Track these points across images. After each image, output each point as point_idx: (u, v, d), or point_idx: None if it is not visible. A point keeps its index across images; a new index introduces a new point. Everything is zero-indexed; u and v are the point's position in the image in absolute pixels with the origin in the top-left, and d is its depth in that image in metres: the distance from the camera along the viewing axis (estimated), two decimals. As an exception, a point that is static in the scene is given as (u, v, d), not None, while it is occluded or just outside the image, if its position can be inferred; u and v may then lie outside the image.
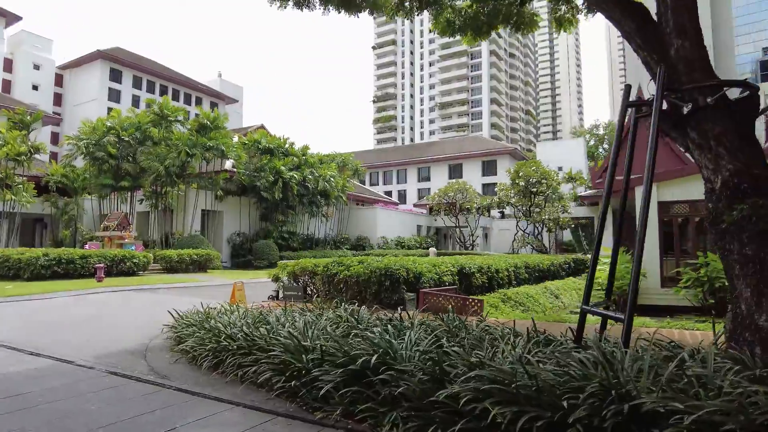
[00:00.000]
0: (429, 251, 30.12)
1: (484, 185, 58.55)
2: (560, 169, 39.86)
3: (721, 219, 4.88)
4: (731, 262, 4.88)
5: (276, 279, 12.38)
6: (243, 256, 29.37)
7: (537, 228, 30.59)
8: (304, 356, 4.84)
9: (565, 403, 3.41)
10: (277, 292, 12.19)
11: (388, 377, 4.19)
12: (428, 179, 62.87)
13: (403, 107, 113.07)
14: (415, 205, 48.58)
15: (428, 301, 9.62)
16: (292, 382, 4.70)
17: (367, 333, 5.20)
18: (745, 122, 5.05)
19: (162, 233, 27.21)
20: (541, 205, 29.94)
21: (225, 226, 30.27)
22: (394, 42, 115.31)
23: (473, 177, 57.88)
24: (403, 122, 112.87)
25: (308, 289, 11.65)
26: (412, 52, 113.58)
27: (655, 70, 5.39)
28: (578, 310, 16.73)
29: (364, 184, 59.88)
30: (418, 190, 63.46)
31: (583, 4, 9.90)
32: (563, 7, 11.17)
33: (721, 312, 13.15)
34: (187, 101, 64.22)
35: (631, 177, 19.46)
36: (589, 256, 27.19)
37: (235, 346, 5.64)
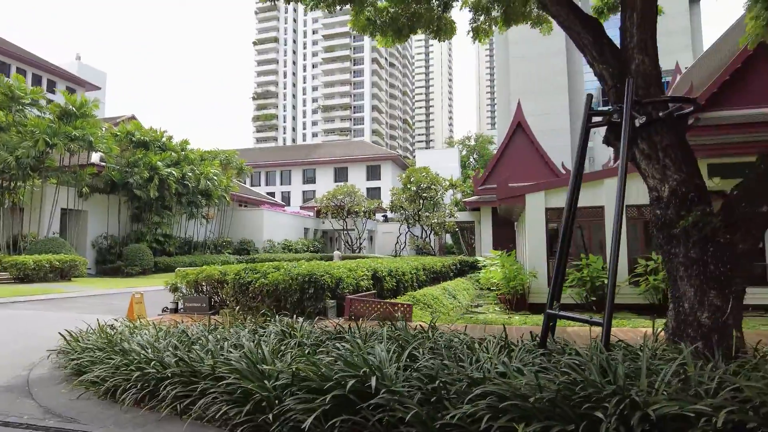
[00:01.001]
0: (334, 255, 29.54)
1: (368, 189, 59.40)
2: (437, 174, 42.22)
3: (670, 225, 5.26)
4: (676, 265, 5.28)
5: (174, 289, 10.92)
6: (111, 262, 25.88)
7: (425, 231, 31.80)
8: (267, 382, 4.14)
9: (592, 413, 3.29)
10: (176, 304, 10.76)
11: (382, 401, 3.71)
12: (313, 181, 62.04)
13: (284, 107, 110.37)
14: (302, 207, 47.56)
15: (354, 308, 9.20)
16: (257, 416, 3.97)
17: (337, 350, 4.64)
18: (684, 136, 5.54)
19: (9, 236, 22.75)
20: (431, 209, 31.22)
21: (90, 228, 26.39)
22: (276, 39, 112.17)
23: (358, 181, 58.35)
24: (284, 122, 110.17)
25: (213, 299, 10.46)
26: (294, 52, 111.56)
27: (610, 82, 5.67)
28: (477, 309, 17.44)
29: (245, 184, 57.03)
30: (303, 192, 62.28)
31: (500, 15, 10.24)
32: (482, 18, 11.54)
33: (600, 308, 14.71)
34: (36, 84, 55.34)
35: (520, 185, 20.70)
36: (471, 258, 28.92)
37: (169, 374, 4.66)
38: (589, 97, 5.85)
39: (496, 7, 11.50)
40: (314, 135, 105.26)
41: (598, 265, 15.19)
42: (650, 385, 3.72)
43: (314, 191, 61.39)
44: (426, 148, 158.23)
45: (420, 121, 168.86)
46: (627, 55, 5.30)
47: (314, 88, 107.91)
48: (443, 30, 11.82)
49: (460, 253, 35.70)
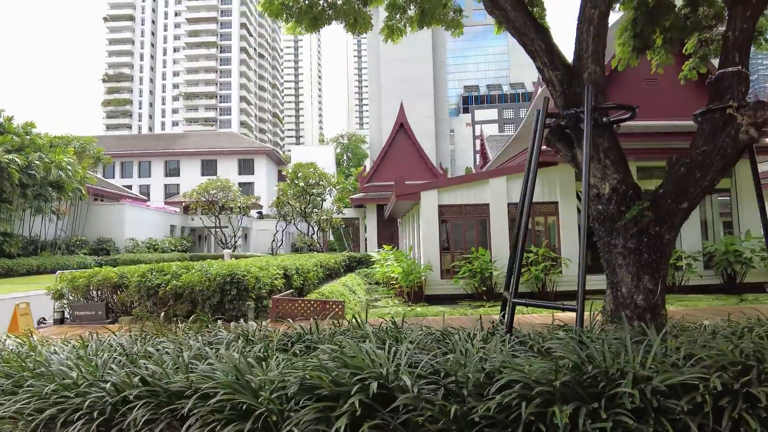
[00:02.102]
0: (224, 254, 27.31)
1: (240, 184, 56.60)
2: (324, 171, 42.01)
3: (611, 219, 5.89)
4: (615, 255, 5.95)
5: (59, 296, 9.16)
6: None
7: (312, 228, 31.29)
8: (265, 394, 3.68)
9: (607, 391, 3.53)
10: (62, 313, 9.04)
11: (408, 401, 3.54)
12: (177, 174, 57.06)
13: (140, 92, 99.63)
14: (167, 203, 43.37)
15: (282, 309, 8.70)
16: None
17: (327, 353, 4.30)
18: (618, 141, 6.25)
19: None
20: (320, 205, 30.76)
21: None
22: (131, 17, 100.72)
23: (229, 175, 55.25)
24: (140, 108, 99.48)
25: (108, 306, 9.03)
26: (153, 33, 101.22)
27: (559, 88, 6.15)
28: (377, 303, 17.63)
29: (99, 176, 50.26)
30: (165, 186, 56.94)
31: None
32: (398, 16, 11.66)
33: (489, 297, 15.94)
34: None
35: (416, 183, 21.47)
36: (359, 254, 29.31)
37: (131, 397, 3.89)
38: (546, 100, 6.26)
39: (412, 7, 11.69)
40: (175, 124, 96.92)
41: (486, 258, 16.41)
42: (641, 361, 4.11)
43: (178, 185, 56.63)
44: (296, 144, 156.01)
45: (289, 116, 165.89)
46: (581, 63, 5.81)
47: (176, 74, 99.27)
48: (360, 24, 11.70)
49: (342, 249, 35.90)
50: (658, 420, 3.50)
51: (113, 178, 55.66)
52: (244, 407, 3.61)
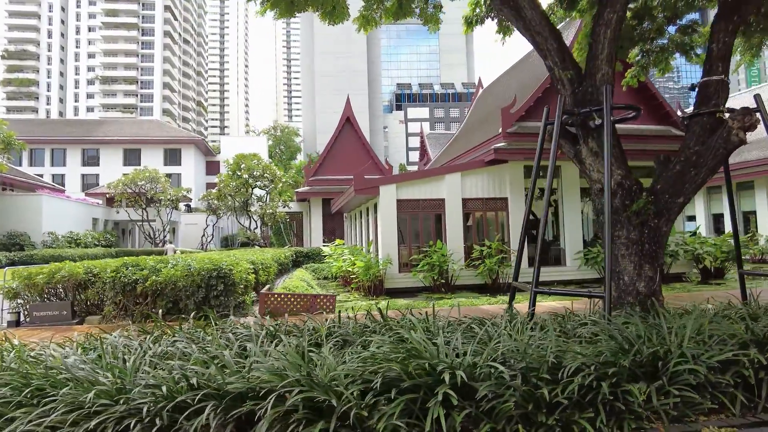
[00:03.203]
0: (167, 248, 25.35)
1: (167, 175, 53.44)
2: (269, 163, 40.74)
3: (616, 212, 6.28)
4: (618, 245, 6.35)
5: (14, 295, 8.11)
6: None
7: (254, 222, 30.12)
8: (343, 389, 3.54)
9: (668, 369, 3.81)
10: (18, 314, 8.02)
11: (492, 389, 3.57)
12: (97, 164, 52.63)
13: (49, 72, 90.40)
14: (88, 194, 39.79)
15: (271, 304, 8.38)
16: None
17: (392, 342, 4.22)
18: (619, 139, 6.66)
19: None
20: (264, 198, 29.65)
21: None
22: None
23: (154, 166, 52.06)
24: (48, 90, 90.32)
25: (73, 306, 8.17)
26: (64, 9, 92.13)
27: (569, 87, 6.44)
28: (338, 298, 17.50)
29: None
30: (83, 176, 52.32)
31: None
32: (375, 6, 11.59)
33: (448, 290, 16.36)
34: None
35: (375, 177, 21.51)
36: (305, 249, 28.78)
37: (196, 400, 3.55)
38: (547, 109, 6.46)
39: (390, -1, 11.63)
40: (90, 109, 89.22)
41: (444, 251, 16.80)
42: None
43: (98, 175, 52.40)
44: (221, 134, 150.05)
45: (214, 105, 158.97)
46: (595, 64, 6.12)
47: (91, 55, 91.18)
48: (336, 13, 11.52)
49: (281, 244, 35.04)
50: (713, 394, 3.82)
51: (21, 166, 50.31)
52: (319, 405, 3.46)
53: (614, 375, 3.71)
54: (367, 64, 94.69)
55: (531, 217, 19.59)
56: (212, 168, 60.81)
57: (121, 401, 3.63)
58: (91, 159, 52.87)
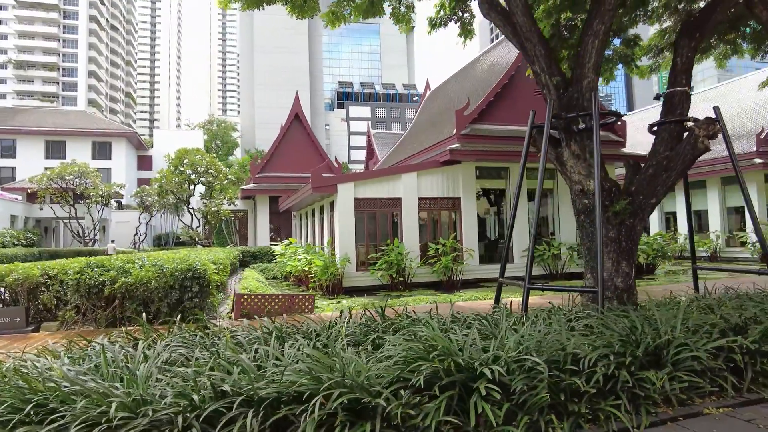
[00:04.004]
0: (107, 248, 23.41)
1: (95, 170, 50.03)
2: (215, 158, 39.10)
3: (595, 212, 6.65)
4: (597, 243, 6.73)
5: None
6: None
7: (197, 220, 28.72)
8: (379, 389, 3.52)
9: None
10: None
11: (526, 382, 3.69)
12: (13, 156, 48.09)
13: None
14: (5, 189, 36.18)
15: (247, 305, 8.11)
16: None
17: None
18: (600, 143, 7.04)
19: None
20: (208, 196, 28.33)
21: None
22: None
23: (81, 159, 48.69)
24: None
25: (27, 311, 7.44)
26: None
27: (554, 93, 6.74)
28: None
29: None
30: (-3, 169, 47.78)
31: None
32: (345, 3, 11.51)
33: (405, 287, 16.58)
34: None
35: (331, 176, 21.35)
36: (252, 248, 27.99)
37: (234, 407, 3.36)
38: (533, 112, 6.72)
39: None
40: (2, 96, 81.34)
41: (402, 250, 17.00)
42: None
43: (14, 168, 48.05)
44: (150, 127, 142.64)
45: (143, 96, 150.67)
46: (582, 72, 6.45)
47: (2, 37, 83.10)
48: (306, 7, 11.35)
49: (223, 243, 33.85)
50: (711, 378, 4.18)
51: None
52: (359, 406, 3.42)
53: (631, 364, 3.97)
54: (309, 60, 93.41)
55: (481, 215, 20.27)
56: (144, 163, 57.60)
57: (140, 413, 3.39)
58: (6, 150, 48.32)
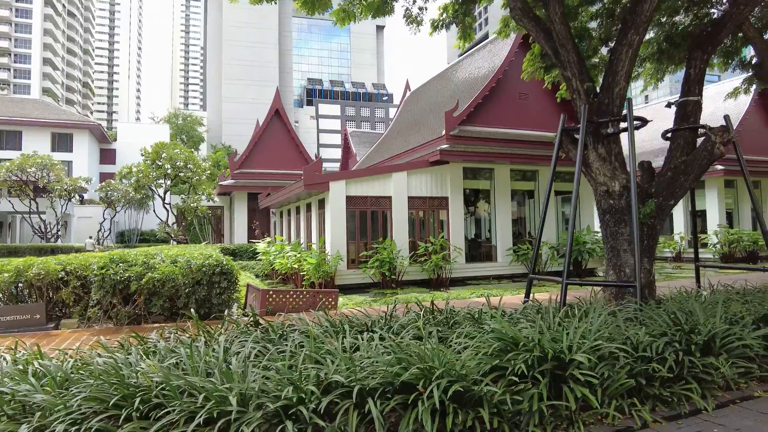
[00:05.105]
0: (86, 243, 22.28)
1: (60, 163, 47.73)
2: (193, 152, 38.05)
3: (621, 212, 7.03)
4: (621, 241, 7.12)
5: None
6: None
7: (173, 216, 27.85)
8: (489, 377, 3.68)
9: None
10: None
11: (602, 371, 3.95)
12: (-37, 146, 45.33)
13: None
14: (-42, 182, 33.93)
15: (273, 301, 8.10)
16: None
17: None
18: (621, 147, 7.44)
19: None
20: (187, 191, 27.48)
21: None
22: None
23: (40, 151, 46.41)
24: None
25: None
26: None
27: (584, 97, 7.07)
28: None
29: None
30: (-56, 160, 44.69)
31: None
32: (357, 2, 11.56)
33: (397, 285, 16.77)
34: None
35: (324, 174, 21.21)
36: (232, 245, 27.48)
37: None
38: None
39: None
40: (-54, 82, 76.42)
41: (394, 248, 17.20)
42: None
43: (-36, 160, 45.28)
44: (110, 119, 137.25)
45: (101, 87, 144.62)
46: (614, 79, 6.80)
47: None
48: (319, 3, 11.36)
49: (197, 241, 33.08)
50: (759, 364, 4.56)
51: None
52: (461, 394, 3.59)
53: (694, 351, 4.30)
54: (279, 56, 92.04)
55: (468, 215, 20.72)
56: (107, 157, 55.41)
57: (252, 407, 3.42)
58: (-45, 140, 45.45)
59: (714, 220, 25.78)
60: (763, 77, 11.36)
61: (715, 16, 8.66)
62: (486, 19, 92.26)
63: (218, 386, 3.51)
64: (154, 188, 26.89)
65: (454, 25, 13.01)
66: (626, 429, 3.70)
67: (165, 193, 26.57)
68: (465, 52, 26.80)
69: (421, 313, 5.73)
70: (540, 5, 8.66)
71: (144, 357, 4.37)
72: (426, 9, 11.32)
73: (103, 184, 37.70)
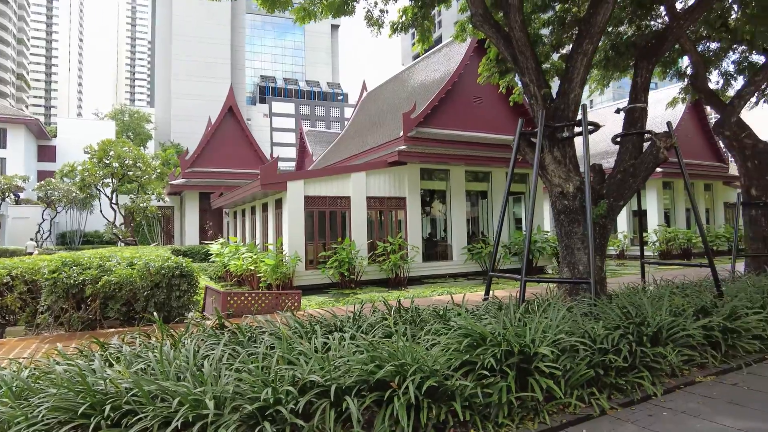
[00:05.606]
0: (27, 245, 20.65)
1: (-9, 160, 44.64)
2: (143, 150, 36.41)
3: (575, 212, 7.40)
4: (575, 240, 7.49)
5: None
6: None
7: (122, 217, 26.51)
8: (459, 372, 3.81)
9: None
10: None
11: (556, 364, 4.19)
12: None
13: None
14: None
15: (235, 303, 7.97)
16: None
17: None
18: (575, 150, 7.81)
19: None
20: (136, 191, 26.20)
21: None
22: None
23: (-31, 147, 43.39)
24: None
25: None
26: None
27: (541, 103, 7.38)
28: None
29: None
30: None
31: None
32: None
33: (355, 285, 16.84)
34: None
35: (283, 173, 21.10)
36: (183, 247, 26.61)
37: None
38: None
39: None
40: None
41: (353, 248, 17.28)
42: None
43: None
44: (48, 114, 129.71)
45: (38, 80, 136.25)
46: (570, 86, 7.13)
47: None
48: (277, 2, 11.27)
49: (144, 242, 31.81)
50: (701, 351, 4.96)
51: None
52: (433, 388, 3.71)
53: (645, 342, 4.63)
54: (231, 52, 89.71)
55: (424, 215, 21.05)
56: (46, 154, 52.32)
57: (228, 409, 3.40)
58: None
59: (654, 219, 27.35)
60: (697, 87, 12.24)
61: (656, 28, 9.27)
62: (440, 22, 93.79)
63: (192, 390, 3.47)
64: (100, 188, 25.61)
65: (413, 28, 13.22)
66: (586, 417, 3.95)
67: (112, 192, 25.33)
68: (422, 55, 27.21)
69: (390, 311, 5.82)
70: (498, 10, 8.99)
71: (108, 363, 4.22)
72: (387, 11, 11.44)
73: (43, 182, 35.49)
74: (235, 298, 7.94)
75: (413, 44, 14.63)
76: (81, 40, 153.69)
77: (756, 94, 12.70)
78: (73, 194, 28.46)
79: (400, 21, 12.84)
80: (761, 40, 11.26)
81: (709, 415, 3.99)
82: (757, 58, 13.01)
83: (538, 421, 3.78)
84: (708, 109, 29.06)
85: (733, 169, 27.73)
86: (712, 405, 4.20)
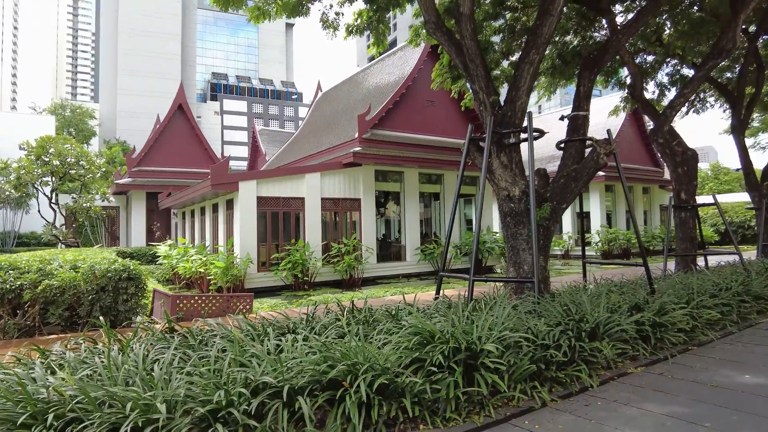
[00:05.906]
0: None
1: None
2: (86, 148, 34.51)
3: (520, 214, 7.73)
4: (521, 241, 7.83)
5: None
6: None
7: (62, 216, 24.97)
8: (409, 369, 3.94)
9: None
10: None
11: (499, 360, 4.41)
12: None
13: None
14: None
15: (185, 306, 7.81)
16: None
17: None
18: (521, 156, 8.16)
19: None
20: (78, 190, 24.77)
21: None
22: None
23: None
24: None
25: None
26: None
27: (490, 110, 7.68)
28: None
29: None
30: None
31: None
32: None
33: (310, 287, 16.82)
34: None
35: (235, 173, 20.93)
36: (129, 248, 25.54)
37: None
38: (471, 127, 7.57)
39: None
40: None
41: (307, 249, 17.21)
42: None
43: None
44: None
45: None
46: (517, 94, 7.45)
47: None
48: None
49: (90, 244, 30.31)
50: (633, 344, 5.34)
51: None
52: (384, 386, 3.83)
53: (584, 337, 4.95)
54: (181, 48, 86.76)
55: (379, 216, 21.24)
56: (-24, 150, 48.80)
57: (180, 413, 3.38)
58: None
59: (596, 220, 28.69)
60: (635, 96, 13.04)
61: (598, 39, 9.84)
62: (395, 25, 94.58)
63: (142, 394, 3.42)
64: (38, 186, 24.16)
65: (368, 31, 13.36)
66: (529, 409, 4.20)
67: (52, 192, 23.95)
68: (377, 57, 27.40)
69: (344, 312, 5.91)
70: (450, 18, 9.26)
71: (51, 371, 4.08)
72: (342, 14, 11.53)
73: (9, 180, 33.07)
74: (185, 302, 7.76)
75: (368, 46, 14.77)
76: (15, 28, 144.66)
77: (686, 105, 13.66)
78: (7, 193, 26.73)
79: (355, 24, 12.95)
80: (690, 55, 12.15)
81: (638, 403, 4.33)
82: (688, 72, 14.02)
83: (484, 415, 3.98)
84: (646, 117, 30.84)
85: (668, 174, 29.54)
86: (641, 393, 4.56)
